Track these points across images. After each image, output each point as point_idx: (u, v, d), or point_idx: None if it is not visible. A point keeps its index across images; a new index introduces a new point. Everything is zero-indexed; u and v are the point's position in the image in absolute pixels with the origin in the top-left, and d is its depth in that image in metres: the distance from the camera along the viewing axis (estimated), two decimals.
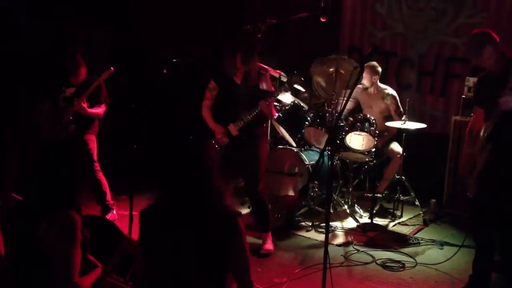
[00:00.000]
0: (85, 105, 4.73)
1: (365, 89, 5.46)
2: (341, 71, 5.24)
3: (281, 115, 5.36)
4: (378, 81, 5.43)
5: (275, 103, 5.47)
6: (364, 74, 5.33)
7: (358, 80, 3.58)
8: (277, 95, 5.47)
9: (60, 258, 2.28)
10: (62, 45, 5.67)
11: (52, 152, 2.47)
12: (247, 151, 4.26)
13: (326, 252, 2.98)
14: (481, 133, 3.65)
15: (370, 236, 4.75)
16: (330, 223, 4.70)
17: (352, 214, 5.11)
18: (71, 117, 4.77)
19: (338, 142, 5.03)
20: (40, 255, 2.30)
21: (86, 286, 2.44)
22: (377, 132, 5.06)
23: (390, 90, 5.45)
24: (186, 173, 2.18)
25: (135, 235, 3.42)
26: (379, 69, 5.40)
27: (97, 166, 4.92)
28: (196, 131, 4.40)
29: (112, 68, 4.75)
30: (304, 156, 5.09)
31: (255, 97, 4.17)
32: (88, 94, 4.73)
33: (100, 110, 4.85)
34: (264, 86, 4.28)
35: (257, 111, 4.14)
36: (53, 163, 2.41)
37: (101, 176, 4.92)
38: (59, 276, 2.27)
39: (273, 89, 4.41)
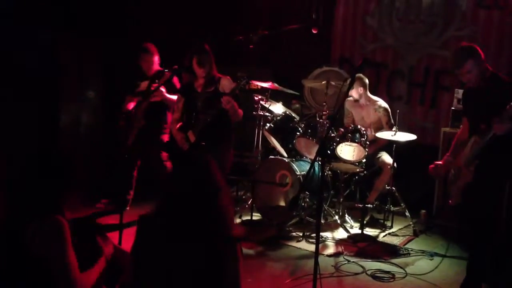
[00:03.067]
0: (163, 88, 4.92)
1: (356, 101, 5.51)
2: (332, 82, 5.28)
3: (272, 126, 5.39)
4: (367, 92, 5.47)
5: (267, 114, 5.51)
6: None
7: (348, 91, 3.61)
8: (269, 106, 5.52)
9: (56, 262, 2.27)
10: (55, 56, 5.66)
11: (38, 158, 2.43)
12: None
13: (316, 263, 2.99)
14: (469, 147, 3.69)
15: (360, 246, 4.76)
16: (321, 234, 4.72)
17: (343, 225, 5.12)
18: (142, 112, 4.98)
19: (329, 152, 5.05)
20: (30, 261, 2.28)
21: (92, 279, 2.41)
22: (368, 143, 5.09)
23: (382, 103, 5.49)
24: (191, 194, 2.13)
25: (125, 245, 3.42)
26: (366, 80, 5.44)
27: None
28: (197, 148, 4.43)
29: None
30: (295, 167, 5.12)
31: (213, 101, 4.36)
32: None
33: (174, 97, 4.90)
34: (225, 90, 4.43)
35: (215, 113, 4.32)
36: (38, 169, 2.39)
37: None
38: (59, 279, 2.26)
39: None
